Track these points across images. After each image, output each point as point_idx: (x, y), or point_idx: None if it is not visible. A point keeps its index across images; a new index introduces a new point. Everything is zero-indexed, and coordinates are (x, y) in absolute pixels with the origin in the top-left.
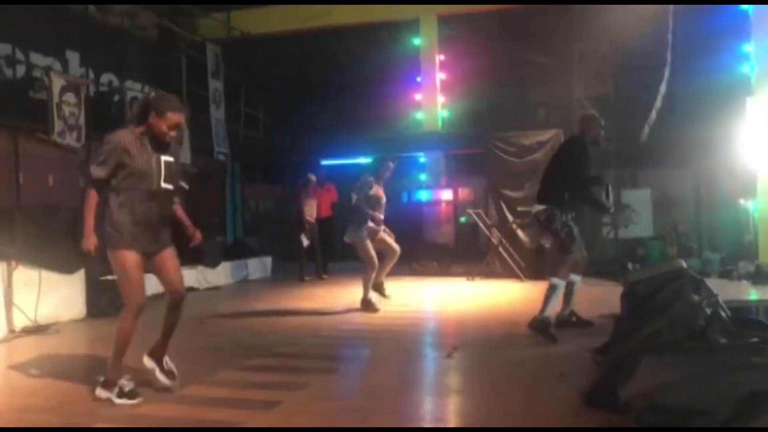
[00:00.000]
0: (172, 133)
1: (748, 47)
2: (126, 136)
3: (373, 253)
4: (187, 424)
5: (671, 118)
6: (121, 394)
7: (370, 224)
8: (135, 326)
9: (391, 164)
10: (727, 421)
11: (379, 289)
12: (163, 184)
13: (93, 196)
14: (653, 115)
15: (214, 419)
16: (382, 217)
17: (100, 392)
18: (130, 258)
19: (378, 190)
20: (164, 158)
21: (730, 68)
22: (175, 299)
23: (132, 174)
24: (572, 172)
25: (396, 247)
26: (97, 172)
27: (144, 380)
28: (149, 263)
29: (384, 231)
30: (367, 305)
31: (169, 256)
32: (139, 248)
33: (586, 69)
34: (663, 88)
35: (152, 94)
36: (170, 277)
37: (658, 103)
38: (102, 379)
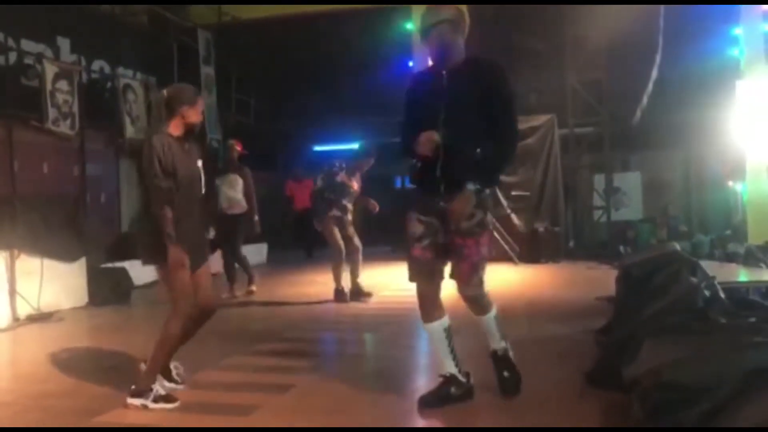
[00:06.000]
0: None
1: (738, 30)
2: (164, 141)
3: (339, 240)
4: (204, 409)
5: (662, 102)
6: (158, 399)
7: (335, 212)
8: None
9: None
10: (729, 396)
11: (359, 290)
12: (204, 190)
13: (169, 213)
14: (645, 99)
15: (231, 403)
16: (348, 206)
17: (132, 401)
18: (184, 267)
19: (347, 179)
20: (200, 162)
21: (720, 52)
22: (207, 313)
23: (180, 180)
24: None
25: (357, 243)
26: (163, 182)
27: None
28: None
29: (350, 223)
30: (339, 295)
31: (205, 270)
32: (189, 259)
33: (579, 54)
34: (654, 73)
35: (164, 92)
36: (206, 292)
37: (650, 87)
38: (132, 387)
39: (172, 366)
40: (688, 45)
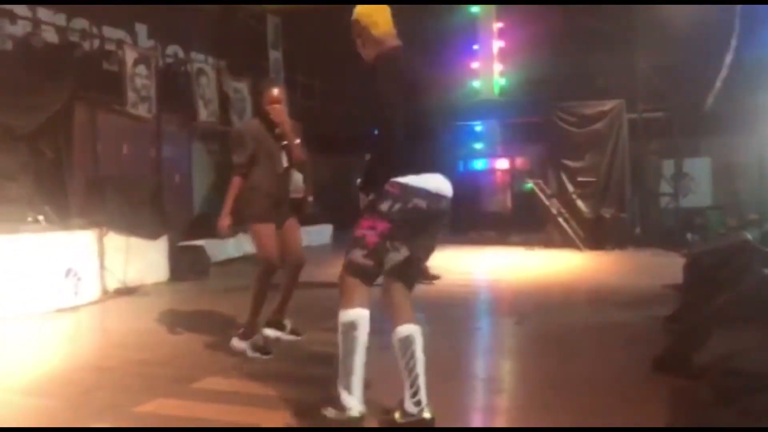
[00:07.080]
0: (276, 106)
1: None
2: (252, 126)
3: None
4: (296, 378)
5: (735, 85)
6: (255, 348)
7: None
8: (269, 286)
9: None
10: None
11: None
12: (285, 165)
13: (237, 182)
14: (718, 84)
15: (316, 373)
16: None
17: (237, 343)
18: (266, 229)
19: None
20: (285, 142)
21: None
22: (295, 266)
23: (260, 158)
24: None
25: None
26: (237, 159)
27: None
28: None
29: None
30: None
31: (291, 227)
32: (271, 220)
33: (650, 37)
34: (729, 58)
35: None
36: (291, 246)
37: (724, 72)
38: (240, 331)
39: (285, 322)
40: (765, 27)
